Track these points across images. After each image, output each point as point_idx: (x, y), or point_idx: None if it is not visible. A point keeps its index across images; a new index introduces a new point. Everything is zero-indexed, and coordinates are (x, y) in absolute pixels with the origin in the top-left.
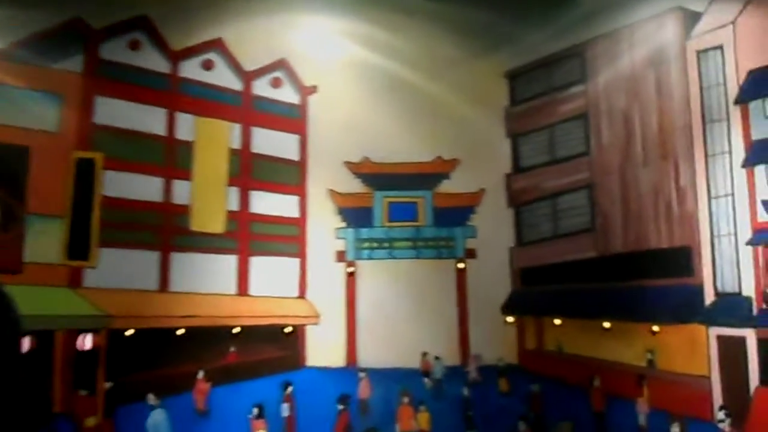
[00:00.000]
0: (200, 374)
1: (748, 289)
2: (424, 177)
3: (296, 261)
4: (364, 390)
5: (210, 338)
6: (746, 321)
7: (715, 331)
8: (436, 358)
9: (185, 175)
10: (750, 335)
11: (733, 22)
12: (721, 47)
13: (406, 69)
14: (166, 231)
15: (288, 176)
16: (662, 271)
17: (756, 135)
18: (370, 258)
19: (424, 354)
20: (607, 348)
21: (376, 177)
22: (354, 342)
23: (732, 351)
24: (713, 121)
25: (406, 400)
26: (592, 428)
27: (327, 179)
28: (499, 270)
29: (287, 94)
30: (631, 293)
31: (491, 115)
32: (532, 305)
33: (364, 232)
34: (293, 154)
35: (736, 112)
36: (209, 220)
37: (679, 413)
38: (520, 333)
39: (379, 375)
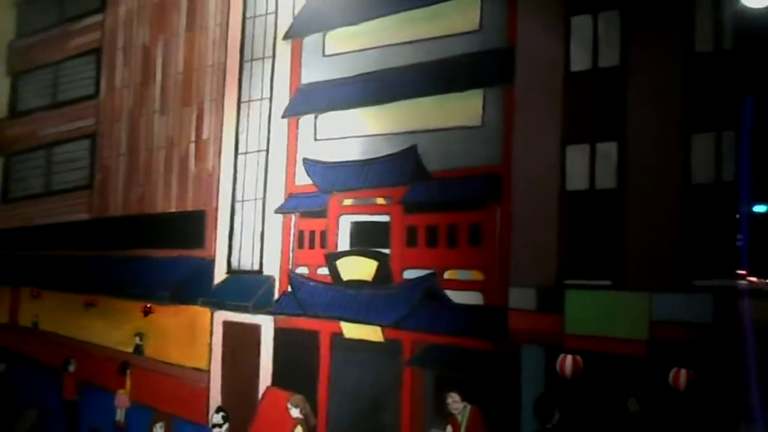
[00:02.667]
0: None
1: (272, 268)
2: None
3: None
4: None
5: None
6: (263, 306)
7: (221, 315)
8: None
9: None
10: (266, 323)
11: None
12: None
13: None
14: None
15: None
16: (168, 240)
17: (308, 78)
18: None
19: None
20: (92, 328)
21: None
22: None
23: (241, 341)
24: (255, 59)
25: None
26: (62, 419)
27: None
28: None
29: None
30: (124, 265)
31: None
32: (5, 272)
33: None
34: None
35: (285, 49)
36: None
37: (167, 412)
38: None
39: None
